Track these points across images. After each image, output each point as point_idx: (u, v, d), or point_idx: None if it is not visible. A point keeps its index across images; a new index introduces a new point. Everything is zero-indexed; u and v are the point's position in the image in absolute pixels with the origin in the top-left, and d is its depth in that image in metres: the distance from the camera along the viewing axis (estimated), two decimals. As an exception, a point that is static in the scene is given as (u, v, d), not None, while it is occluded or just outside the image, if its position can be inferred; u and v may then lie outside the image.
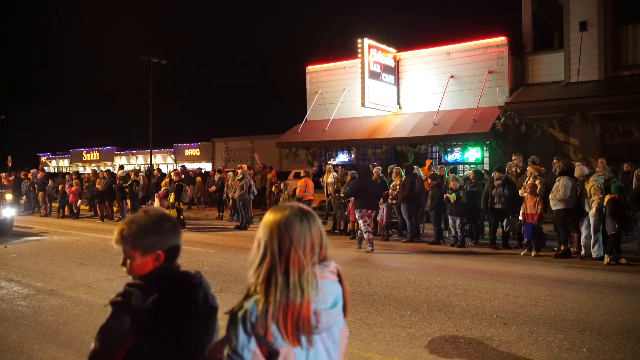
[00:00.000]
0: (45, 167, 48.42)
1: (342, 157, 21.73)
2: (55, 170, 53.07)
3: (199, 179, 22.49)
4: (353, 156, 21.10)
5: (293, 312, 1.65)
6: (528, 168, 10.93)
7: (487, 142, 17.57)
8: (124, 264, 2.03)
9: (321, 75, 22.67)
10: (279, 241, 1.70)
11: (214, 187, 19.07)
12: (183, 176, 17.27)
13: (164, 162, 44.33)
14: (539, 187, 10.38)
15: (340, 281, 1.83)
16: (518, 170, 11.82)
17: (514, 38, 18.48)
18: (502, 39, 18.15)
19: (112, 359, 1.85)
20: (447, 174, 13.21)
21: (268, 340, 1.64)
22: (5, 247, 12.09)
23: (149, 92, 31.58)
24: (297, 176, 19.83)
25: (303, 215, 1.76)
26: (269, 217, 1.77)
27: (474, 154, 18.31)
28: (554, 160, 10.66)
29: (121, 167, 27.41)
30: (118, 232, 2.02)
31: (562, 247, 10.23)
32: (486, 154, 18.03)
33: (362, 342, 5.42)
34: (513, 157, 12.22)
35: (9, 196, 14.37)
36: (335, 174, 15.24)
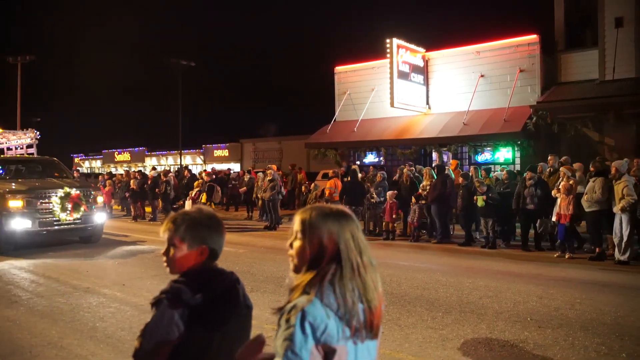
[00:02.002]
0: (79, 168, 49.54)
1: (371, 158, 21.66)
2: (89, 171, 54.22)
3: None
4: (382, 157, 21.03)
5: (368, 312, 1.68)
6: (561, 168, 10.74)
7: (518, 142, 17.31)
8: (166, 253, 2.06)
9: (350, 75, 22.64)
10: (327, 244, 1.70)
11: (244, 188, 19.22)
12: (214, 176, 17.48)
13: (193, 162, 44.89)
14: (573, 187, 10.19)
15: None
16: (551, 171, 11.62)
17: (545, 36, 18.18)
18: (533, 37, 17.86)
19: (158, 356, 1.88)
20: (480, 175, 13.03)
21: (325, 339, 1.64)
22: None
23: (179, 94, 32.01)
24: (326, 177, 19.85)
25: (343, 217, 1.76)
26: (310, 218, 1.75)
27: (504, 154, 18.06)
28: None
29: (153, 168, 27.84)
30: (170, 221, 2.06)
31: (596, 250, 10.02)
32: (517, 154, 17.76)
33: (394, 343, 5.40)
34: (549, 158, 11.97)
35: (100, 199, 12.97)
36: (361, 175, 15.19)
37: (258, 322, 1.83)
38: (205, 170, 19.96)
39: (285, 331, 1.64)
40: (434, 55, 20.21)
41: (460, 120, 18.11)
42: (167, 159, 48.01)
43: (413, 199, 12.83)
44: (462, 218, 12.39)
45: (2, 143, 17.86)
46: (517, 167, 16.80)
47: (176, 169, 30.44)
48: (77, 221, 11.82)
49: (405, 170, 13.80)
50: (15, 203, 11.16)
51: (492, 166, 16.75)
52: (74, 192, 11.80)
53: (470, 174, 13.10)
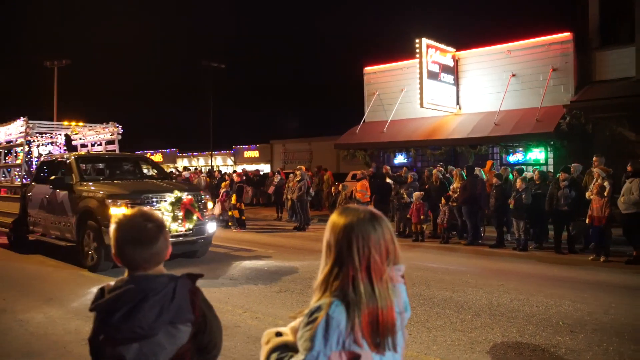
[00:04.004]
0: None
1: (400, 159, 21.54)
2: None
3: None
4: (411, 157, 20.89)
5: (378, 318, 1.63)
6: (595, 169, 10.49)
7: (551, 143, 16.98)
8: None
9: (379, 76, 22.56)
10: (357, 248, 1.67)
11: (272, 188, 19.34)
12: (244, 177, 17.64)
13: (223, 163, 45.36)
14: (607, 188, 9.95)
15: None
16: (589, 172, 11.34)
17: (579, 33, 17.76)
18: (566, 34, 17.49)
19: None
20: (512, 176, 12.82)
21: (349, 345, 1.62)
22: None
23: (209, 96, 32.42)
24: (355, 178, 19.83)
25: (375, 220, 1.73)
26: (340, 220, 1.73)
27: (536, 154, 17.73)
28: None
29: (186, 168, 28.25)
30: None
31: (634, 253, 9.76)
32: (550, 155, 17.41)
33: (422, 345, 5.36)
34: (594, 159, 11.49)
35: (210, 204, 10.74)
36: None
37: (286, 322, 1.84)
38: (235, 171, 20.12)
39: (307, 332, 1.63)
40: (464, 54, 19.98)
41: (491, 121, 17.86)
42: (198, 160, 48.63)
43: (443, 200, 12.71)
44: (495, 219, 12.21)
45: (76, 139, 15.54)
46: (550, 167, 16.48)
47: (207, 170, 30.82)
48: (188, 232, 9.66)
49: (434, 171, 13.68)
50: (118, 210, 8.79)
51: (524, 167, 16.48)
52: (185, 196, 9.61)
53: (502, 173, 12.92)
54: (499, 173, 12.67)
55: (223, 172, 26.07)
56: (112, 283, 1.89)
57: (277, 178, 19.45)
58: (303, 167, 16.85)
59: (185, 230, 9.58)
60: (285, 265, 9.91)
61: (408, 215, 13.05)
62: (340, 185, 16.15)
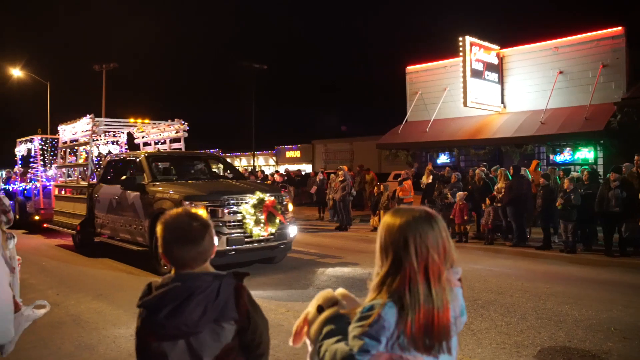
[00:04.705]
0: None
1: (443, 159, 21.30)
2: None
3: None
4: (454, 157, 20.62)
5: (434, 322, 1.60)
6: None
7: (601, 142, 16.45)
8: None
9: (421, 75, 22.37)
10: (415, 248, 1.63)
11: (314, 188, 19.43)
12: (286, 177, 17.78)
13: (266, 163, 45.81)
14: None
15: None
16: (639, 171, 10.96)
17: (631, 28, 17.15)
18: (618, 29, 16.91)
19: None
20: (559, 177, 12.49)
21: (396, 349, 1.61)
22: None
23: (251, 96, 32.79)
24: (397, 178, 19.71)
25: (432, 219, 1.69)
26: (396, 220, 1.69)
27: (585, 154, 17.22)
28: None
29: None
30: None
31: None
32: (600, 154, 16.88)
33: (466, 347, 5.30)
34: (635, 158, 11.25)
35: (291, 206, 10.00)
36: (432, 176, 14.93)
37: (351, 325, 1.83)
38: (277, 172, 20.28)
39: (357, 328, 1.62)
40: (508, 52, 19.60)
41: (537, 119, 17.45)
42: (240, 160, 49.26)
43: (487, 201, 12.49)
44: (542, 220, 11.92)
45: (138, 138, 14.77)
46: (600, 167, 15.98)
47: (250, 170, 31.20)
48: (270, 237, 8.97)
49: (477, 171, 13.47)
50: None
51: (572, 167, 16.03)
52: (267, 198, 8.93)
53: (551, 174, 12.59)
54: (547, 173, 12.35)
55: (266, 174, 26.35)
56: (160, 280, 1.93)
57: (319, 178, 19.53)
58: (345, 167, 16.86)
59: (268, 235, 8.89)
60: (328, 262, 9.95)
61: (451, 216, 12.88)
62: (382, 185, 16.07)
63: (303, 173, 28.62)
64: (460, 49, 18.40)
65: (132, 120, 13.28)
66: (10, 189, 17.57)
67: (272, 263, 9.79)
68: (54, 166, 16.05)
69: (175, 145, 13.48)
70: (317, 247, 12.19)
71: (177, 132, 13.35)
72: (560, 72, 17.86)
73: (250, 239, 8.70)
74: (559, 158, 17.72)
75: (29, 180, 17.01)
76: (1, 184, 18.75)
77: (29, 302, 3.69)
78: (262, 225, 8.74)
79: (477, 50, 18.64)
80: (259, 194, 8.83)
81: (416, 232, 1.65)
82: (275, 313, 6.59)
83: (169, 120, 13.38)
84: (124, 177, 9.86)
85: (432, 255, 1.63)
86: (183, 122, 13.14)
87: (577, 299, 7.21)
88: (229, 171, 12.06)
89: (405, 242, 1.64)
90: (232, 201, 8.73)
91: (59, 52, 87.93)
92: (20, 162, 18.50)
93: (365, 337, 1.60)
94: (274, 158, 45.67)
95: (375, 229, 15.27)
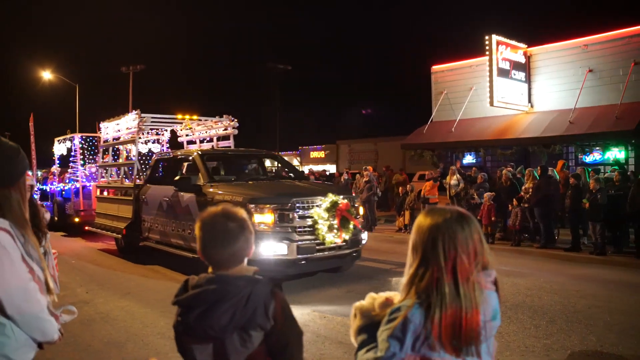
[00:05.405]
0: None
1: (469, 159, 21.09)
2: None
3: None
4: (480, 157, 20.40)
5: (461, 323, 1.59)
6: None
7: (632, 141, 16.09)
8: None
9: (447, 75, 22.19)
10: (443, 248, 1.63)
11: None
12: (311, 177, 17.75)
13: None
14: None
15: (497, 290, 1.75)
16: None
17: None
18: (650, 26, 16.54)
19: None
20: (588, 177, 12.25)
21: (424, 351, 1.60)
22: None
23: (275, 96, 32.97)
24: (422, 178, 19.58)
25: (463, 220, 1.68)
26: (426, 220, 1.70)
27: (615, 154, 16.86)
28: None
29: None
30: None
31: None
32: (631, 154, 16.51)
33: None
34: None
35: (362, 210, 9.17)
36: (458, 175, 14.78)
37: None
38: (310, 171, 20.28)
39: (385, 331, 1.63)
40: (536, 50, 19.31)
41: (565, 119, 17.16)
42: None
43: (514, 201, 12.32)
44: (571, 221, 11.70)
45: (182, 136, 13.81)
46: (631, 167, 15.63)
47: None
48: (343, 244, 7.96)
49: (504, 171, 13.29)
50: (263, 217, 7.54)
51: (602, 167, 15.72)
52: (341, 200, 7.93)
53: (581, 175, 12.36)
54: (577, 173, 12.11)
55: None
56: (196, 277, 1.91)
57: (344, 178, 19.51)
58: (370, 168, 16.81)
59: (342, 242, 7.90)
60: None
61: (478, 217, 12.75)
62: (408, 185, 15.98)
63: (327, 173, 28.62)
64: (487, 47, 18.20)
65: (179, 116, 12.39)
66: (48, 190, 17.04)
67: (337, 272, 8.80)
68: (95, 165, 15.32)
69: (222, 144, 12.57)
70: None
71: (225, 130, 12.37)
72: (590, 71, 17.51)
73: (321, 246, 7.76)
74: (588, 158, 17.40)
75: (67, 181, 16.22)
76: (33, 183, 18.47)
77: (60, 300, 3.76)
78: (335, 231, 7.77)
79: (503, 49, 18.42)
80: (331, 196, 7.86)
81: (445, 233, 1.64)
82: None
83: (217, 117, 12.45)
84: (177, 178, 8.92)
85: (460, 256, 1.62)
86: (233, 119, 12.17)
87: (608, 301, 7.06)
88: (286, 170, 11.10)
89: (433, 242, 1.64)
90: (302, 204, 7.80)
91: (84, 54, 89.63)
92: (58, 162, 17.72)
93: (391, 340, 1.60)
94: (298, 158, 45.77)
95: (400, 230, 15.21)
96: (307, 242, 7.64)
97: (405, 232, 14.68)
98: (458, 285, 1.60)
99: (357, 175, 17.82)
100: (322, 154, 43.38)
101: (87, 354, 5.31)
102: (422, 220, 1.71)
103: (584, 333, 5.75)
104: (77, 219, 14.74)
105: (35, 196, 16.28)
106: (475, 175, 13.84)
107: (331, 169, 37.10)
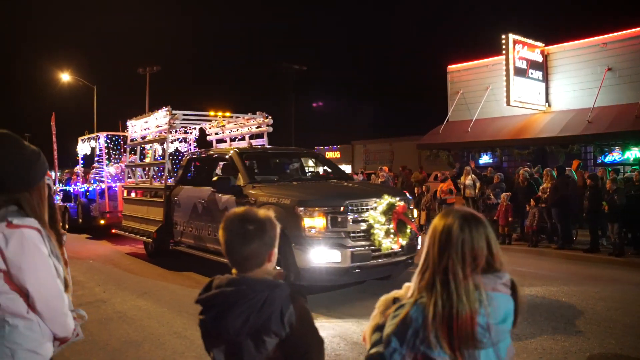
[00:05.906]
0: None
1: (485, 159, 20.93)
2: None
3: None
4: (497, 157, 20.24)
5: (455, 323, 1.61)
6: None
7: (653, 141, 15.87)
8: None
9: (463, 74, 22.06)
10: (438, 249, 1.69)
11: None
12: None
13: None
14: None
15: (514, 294, 1.74)
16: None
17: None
18: (671, 23, 16.29)
19: None
20: (608, 176, 12.10)
21: (425, 347, 1.63)
22: None
23: (291, 96, 33.01)
24: (437, 178, 19.46)
25: (466, 222, 1.70)
26: (434, 221, 1.78)
27: (636, 153, 16.62)
28: None
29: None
30: None
31: None
32: (651, 154, 16.28)
33: (511, 353, 5.18)
34: None
35: (416, 213, 8.36)
36: (473, 175, 14.66)
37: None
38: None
39: (388, 327, 1.69)
40: (553, 49, 19.11)
41: (584, 118, 16.96)
42: (280, 160, 49.57)
43: (532, 202, 12.20)
44: (589, 222, 11.57)
45: (211, 134, 12.92)
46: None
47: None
48: (399, 250, 7.31)
49: (521, 171, 13.17)
50: (313, 222, 6.86)
51: (621, 167, 15.51)
52: (397, 202, 7.31)
53: (599, 174, 12.21)
54: (594, 174, 11.96)
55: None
56: (220, 278, 1.90)
57: (359, 178, 19.48)
58: (386, 168, 16.78)
59: (398, 248, 7.26)
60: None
61: (495, 217, 12.65)
62: (425, 186, 15.91)
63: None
64: (503, 47, 18.07)
65: (212, 113, 11.57)
66: (71, 190, 16.32)
67: (387, 280, 7.97)
68: (121, 164, 14.68)
69: (256, 142, 11.84)
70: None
71: (258, 127, 11.62)
72: (609, 69, 17.29)
73: (377, 253, 7.10)
74: (607, 158, 17.17)
75: (91, 181, 15.39)
76: (53, 184, 17.63)
77: (78, 299, 3.81)
78: (392, 236, 7.13)
79: (520, 48, 18.27)
80: (387, 198, 7.21)
81: (444, 234, 1.70)
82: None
83: (249, 114, 11.51)
84: (215, 178, 8.35)
85: (452, 257, 1.66)
86: (267, 116, 11.37)
87: (627, 304, 6.97)
88: (327, 169, 10.43)
89: (432, 243, 1.72)
90: (356, 207, 7.10)
91: (102, 56, 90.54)
92: (82, 162, 17.06)
93: (393, 336, 1.66)
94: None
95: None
96: (362, 248, 6.98)
97: (421, 233, 14.56)
98: (449, 285, 1.64)
99: (372, 175, 17.77)
100: (337, 154, 43.35)
101: (106, 353, 5.36)
102: (435, 221, 1.79)
103: (603, 336, 5.67)
104: (102, 221, 14.04)
105: (58, 197, 16.08)
106: (492, 176, 13.73)
107: (347, 169, 37.07)
